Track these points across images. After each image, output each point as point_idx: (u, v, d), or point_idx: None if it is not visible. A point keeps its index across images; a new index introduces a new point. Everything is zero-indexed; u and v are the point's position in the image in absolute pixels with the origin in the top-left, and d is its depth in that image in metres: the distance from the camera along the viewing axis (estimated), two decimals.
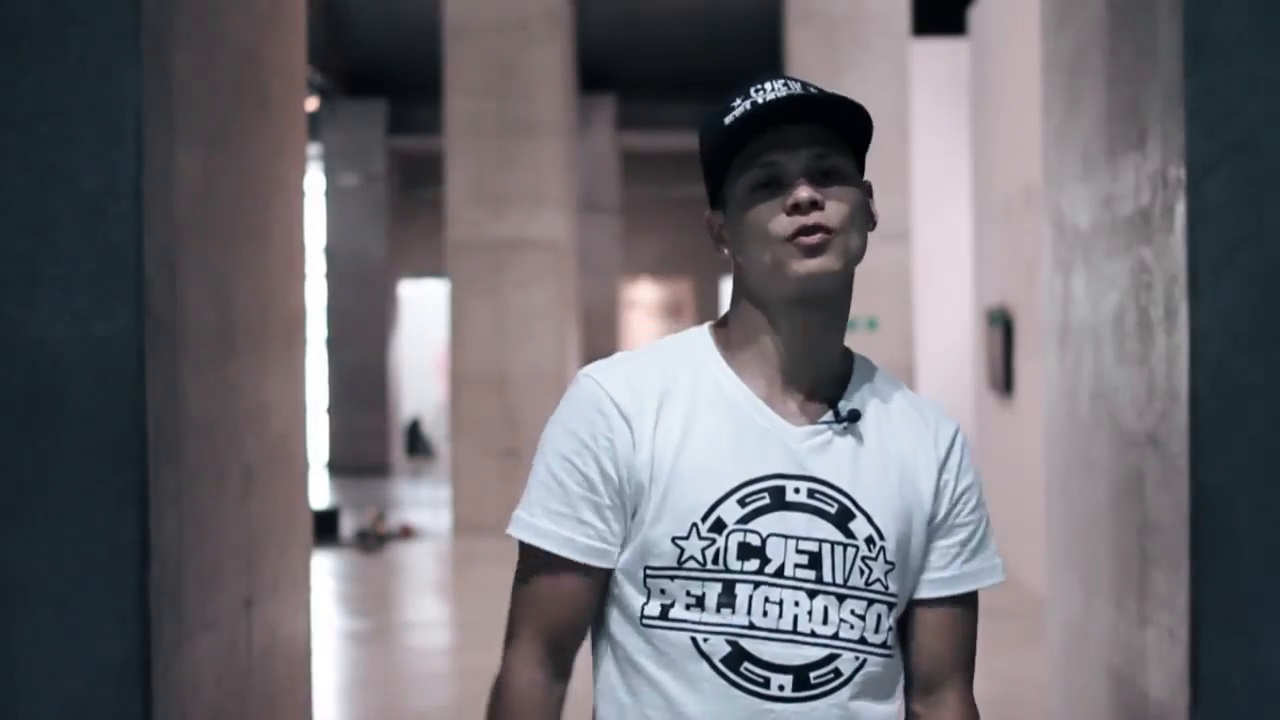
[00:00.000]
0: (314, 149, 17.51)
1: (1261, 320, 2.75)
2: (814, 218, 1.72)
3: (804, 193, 1.72)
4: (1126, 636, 3.32)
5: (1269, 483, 2.75)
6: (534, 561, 1.79)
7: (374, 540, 11.50)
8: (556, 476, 1.78)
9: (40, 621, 2.70)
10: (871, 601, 1.76)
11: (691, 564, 1.73)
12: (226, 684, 3.25)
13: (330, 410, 18.52)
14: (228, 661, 3.27)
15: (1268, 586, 2.75)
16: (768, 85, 1.77)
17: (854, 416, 1.79)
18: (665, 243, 21.86)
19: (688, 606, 1.73)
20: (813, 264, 1.73)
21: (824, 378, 1.81)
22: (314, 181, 18.00)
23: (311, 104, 15.77)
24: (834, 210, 1.74)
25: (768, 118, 1.74)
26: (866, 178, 1.83)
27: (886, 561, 1.77)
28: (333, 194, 18.54)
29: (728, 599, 1.72)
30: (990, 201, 9.74)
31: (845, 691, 1.74)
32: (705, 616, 1.73)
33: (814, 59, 10.87)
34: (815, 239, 1.72)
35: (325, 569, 10.45)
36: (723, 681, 1.72)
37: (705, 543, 1.72)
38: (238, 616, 3.35)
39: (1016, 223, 8.84)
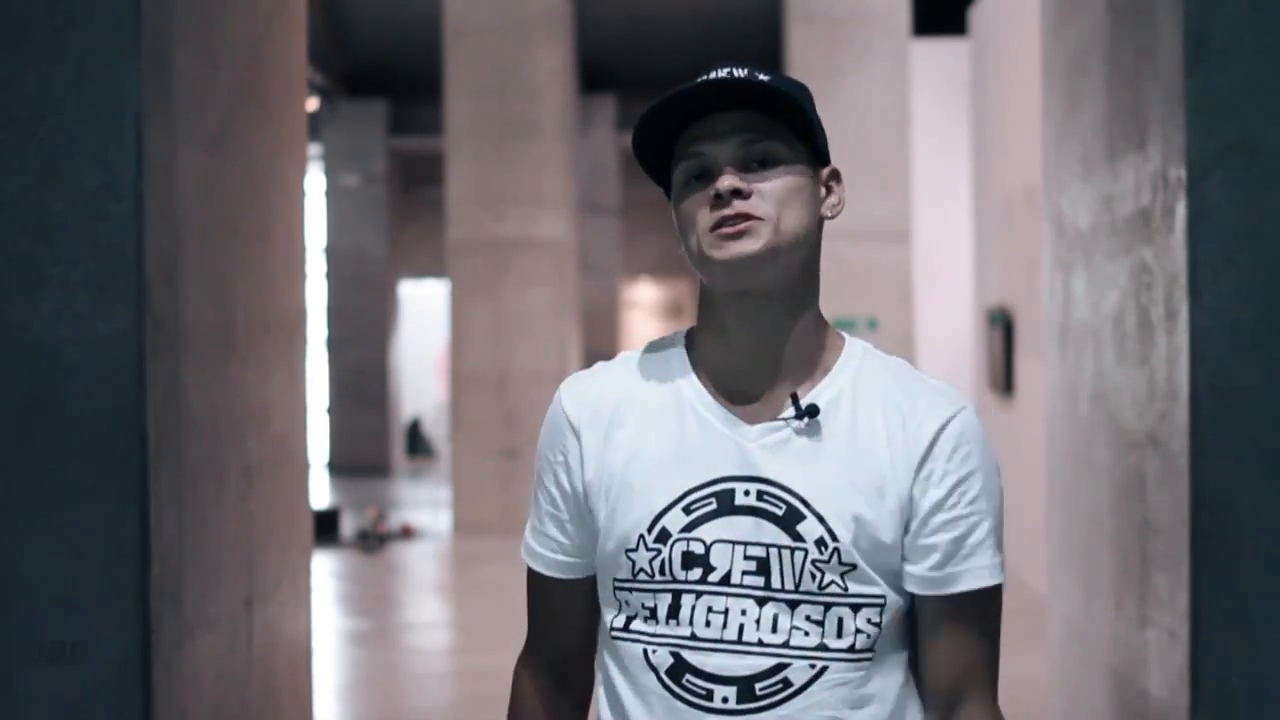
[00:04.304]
0: (314, 149, 17.50)
1: (1261, 320, 2.75)
2: (736, 207, 1.67)
3: (725, 182, 1.67)
4: (1126, 636, 3.32)
5: (1269, 483, 2.75)
6: (530, 577, 1.85)
7: (374, 540, 11.49)
8: (534, 494, 1.83)
9: (40, 621, 2.70)
10: (829, 605, 1.67)
11: (642, 576, 1.71)
12: (227, 684, 3.25)
13: (330, 410, 18.51)
14: (228, 661, 3.27)
15: (1268, 586, 2.74)
16: (710, 75, 1.70)
17: (812, 411, 1.70)
18: (665, 243, 21.81)
19: (644, 619, 1.71)
20: (729, 248, 1.67)
21: (790, 370, 1.72)
22: (314, 181, 17.99)
23: (312, 104, 15.77)
24: (762, 197, 1.68)
25: (680, 108, 1.69)
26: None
27: (842, 563, 1.67)
28: (333, 194, 18.53)
29: (674, 609, 1.69)
30: (990, 201, 9.73)
31: (798, 702, 1.66)
32: (655, 628, 1.70)
33: (814, 59, 10.86)
34: (737, 228, 1.67)
35: (326, 569, 10.44)
36: (666, 694, 1.69)
37: (652, 553, 1.70)
38: (238, 616, 3.35)
39: (1016, 223, 8.84)
